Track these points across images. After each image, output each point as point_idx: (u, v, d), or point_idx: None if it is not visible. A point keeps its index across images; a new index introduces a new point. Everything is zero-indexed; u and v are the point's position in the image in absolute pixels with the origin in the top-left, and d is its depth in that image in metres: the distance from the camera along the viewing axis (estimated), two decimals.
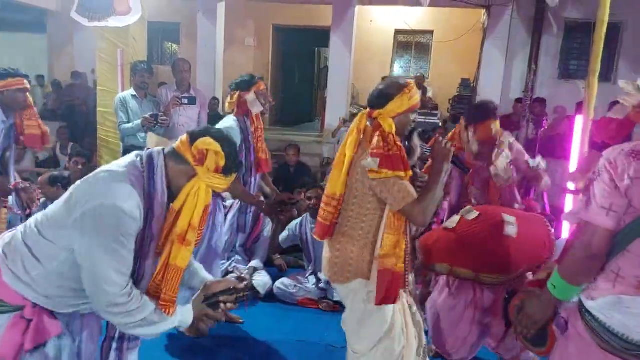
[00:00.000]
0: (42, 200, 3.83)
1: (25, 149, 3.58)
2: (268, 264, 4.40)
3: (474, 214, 2.49)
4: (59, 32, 9.91)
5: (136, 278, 1.61)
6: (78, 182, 1.60)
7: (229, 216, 3.99)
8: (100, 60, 4.99)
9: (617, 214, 1.41)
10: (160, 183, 1.57)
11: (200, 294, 1.75)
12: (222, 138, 1.64)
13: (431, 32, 10.28)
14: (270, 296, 3.94)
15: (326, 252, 2.20)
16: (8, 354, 1.56)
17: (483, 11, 8.06)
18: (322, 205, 2.16)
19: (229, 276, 4.09)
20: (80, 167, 4.70)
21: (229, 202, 3.86)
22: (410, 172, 2.02)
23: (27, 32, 11.40)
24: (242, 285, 1.79)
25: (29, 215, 4.21)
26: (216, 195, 1.92)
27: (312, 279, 3.92)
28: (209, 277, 1.86)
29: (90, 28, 5.02)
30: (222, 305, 1.74)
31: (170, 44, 11.39)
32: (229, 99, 3.47)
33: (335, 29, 7.96)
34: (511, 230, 2.39)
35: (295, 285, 3.85)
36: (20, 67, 3.47)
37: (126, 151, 4.71)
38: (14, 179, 3.54)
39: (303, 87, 12.03)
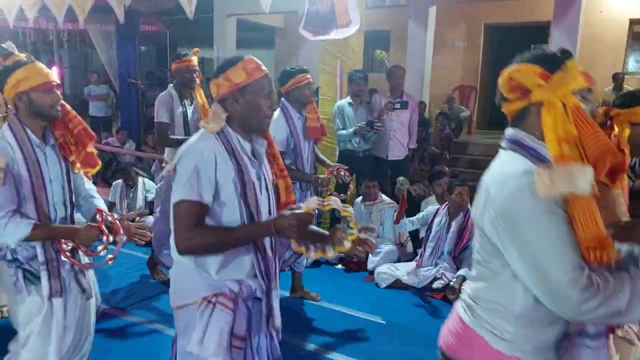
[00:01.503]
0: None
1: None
2: None
3: None
4: (285, 47, 11.12)
5: None
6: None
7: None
8: (322, 71, 5.41)
9: None
10: (538, 145, 1.27)
11: None
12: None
13: None
14: None
15: None
16: None
17: None
18: None
19: (436, 283, 4.07)
20: None
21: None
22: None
23: (258, 49, 13.06)
24: None
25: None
26: None
27: None
28: None
29: (313, 42, 5.49)
30: None
31: (380, 51, 11.80)
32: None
33: (556, 22, 7.24)
34: None
35: None
36: None
37: (341, 155, 5.06)
38: (310, 170, 3.64)
39: None
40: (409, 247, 4.82)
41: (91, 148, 2.30)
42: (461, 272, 3.98)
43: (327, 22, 4.97)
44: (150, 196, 5.82)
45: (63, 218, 2.17)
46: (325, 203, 1.71)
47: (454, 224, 4.12)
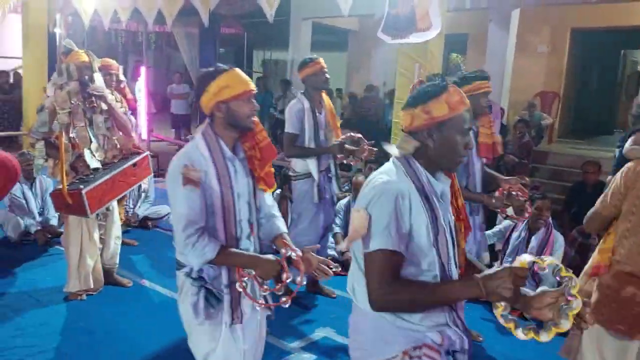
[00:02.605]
0: None
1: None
2: None
3: None
4: (358, 49, 11.12)
5: None
6: None
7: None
8: (399, 74, 5.34)
9: None
10: None
11: None
12: None
13: None
14: None
15: None
16: None
17: None
18: None
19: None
20: (374, 172, 5.17)
21: None
22: None
23: (331, 51, 13.15)
24: None
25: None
26: None
27: None
28: None
29: (389, 45, 5.43)
30: None
31: (456, 54, 11.53)
32: None
33: None
34: None
35: None
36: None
37: None
38: (480, 189, 3.22)
39: (602, 95, 10.62)
40: (485, 258, 4.66)
41: (270, 167, 2.11)
42: (541, 289, 3.78)
43: (407, 26, 4.91)
44: None
45: (247, 237, 1.98)
46: (544, 259, 1.43)
47: (533, 240, 3.93)
